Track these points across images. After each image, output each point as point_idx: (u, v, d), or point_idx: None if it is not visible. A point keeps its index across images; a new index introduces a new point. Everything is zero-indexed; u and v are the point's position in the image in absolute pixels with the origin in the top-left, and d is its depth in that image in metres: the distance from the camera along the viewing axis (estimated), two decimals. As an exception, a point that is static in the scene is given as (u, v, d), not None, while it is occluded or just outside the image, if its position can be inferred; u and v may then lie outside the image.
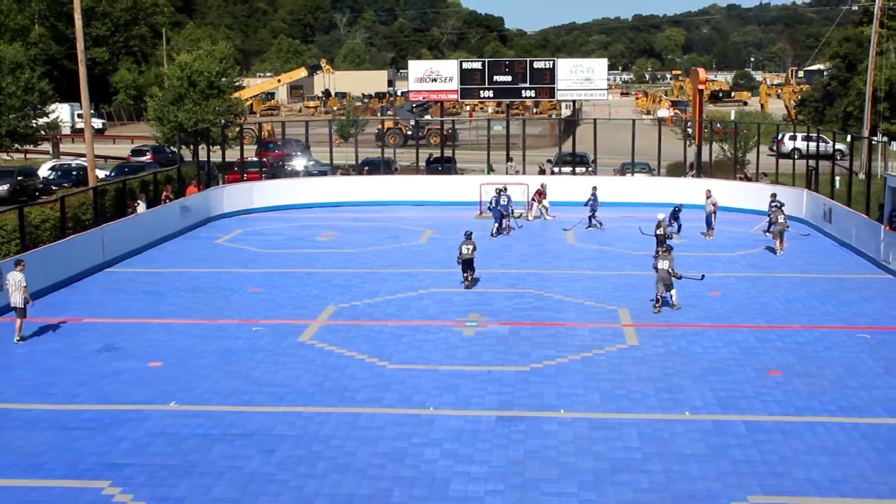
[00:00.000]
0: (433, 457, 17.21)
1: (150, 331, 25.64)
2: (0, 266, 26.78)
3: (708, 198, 39.33)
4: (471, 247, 30.09)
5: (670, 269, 27.36)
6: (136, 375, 21.88)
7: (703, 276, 30.83)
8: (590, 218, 41.36)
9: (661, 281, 27.38)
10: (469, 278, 30.43)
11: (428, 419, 19.07)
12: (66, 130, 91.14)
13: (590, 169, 52.48)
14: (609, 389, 20.82)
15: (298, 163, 55.07)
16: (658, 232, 33.94)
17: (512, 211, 41.33)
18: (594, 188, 41.74)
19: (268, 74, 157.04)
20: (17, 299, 24.71)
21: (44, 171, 57.04)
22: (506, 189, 40.96)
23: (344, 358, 23.12)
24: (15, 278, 24.80)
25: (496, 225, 40.04)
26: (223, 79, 61.05)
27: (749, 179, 49.16)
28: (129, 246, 35.38)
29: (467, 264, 30.24)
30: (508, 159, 52.93)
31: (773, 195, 38.93)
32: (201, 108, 58.30)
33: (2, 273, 26.28)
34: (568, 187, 47.01)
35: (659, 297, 27.52)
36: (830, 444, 17.71)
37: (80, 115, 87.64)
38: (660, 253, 28.59)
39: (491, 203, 40.82)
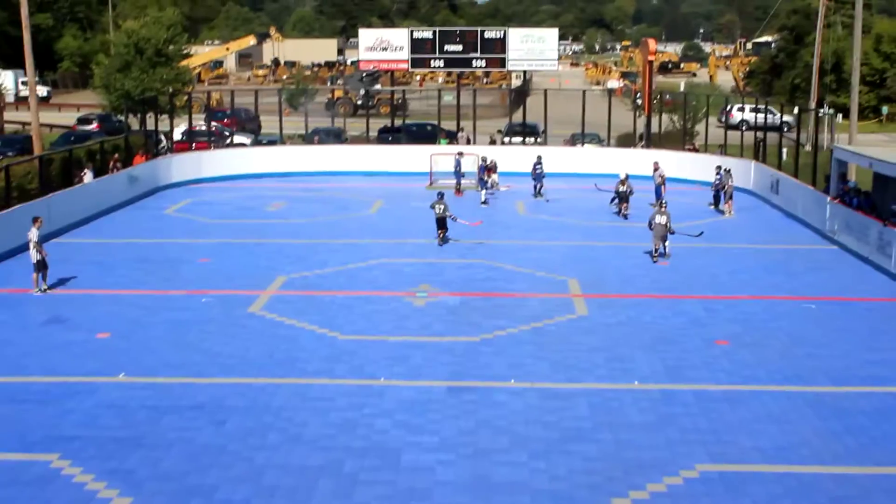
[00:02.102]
0: (384, 427, 17.24)
1: (98, 302, 25.40)
2: None
3: (656, 170, 39.67)
4: (442, 206, 32.06)
5: (667, 224, 29.60)
6: (84, 347, 21.67)
7: (701, 233, 32.81)
8: (536, 187, 41.64)
9: (657, 235, 29.73)
10: (441, 235, 32.25)
11: (379, 390, 19.09)
12: (10, 98, 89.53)
13: (539, 139, 52.53)
14: (559, 359, 20.94)
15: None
16: (622, 189, 36.86)
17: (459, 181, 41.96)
18: (539, 157, 42.05)
19: (216, 42, 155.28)
20: (32, 255, 25.95)
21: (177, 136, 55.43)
22: (462, 154, 42.31)
23: (294, 329, 23.06)
24: (32, 235, 25.93)
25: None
26: (171, 46, 60.28)
27: (697, 151, 49.47)
28: (75, 216, 34.97)
29: (440, 223, 32.12)
30: (459, 129, 52.83)
31: (718, 167, 39.50)
32: (149, 76, 57.56)
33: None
34: (519, 157, 47.05)
35: (656, 249, 29.88)
36: (776, 413, 17.97)
37: (24, 83, 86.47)
38: (657, 209, 30.53)
39: (457, 168, 42.18)
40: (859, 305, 25.47)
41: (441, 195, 32.83)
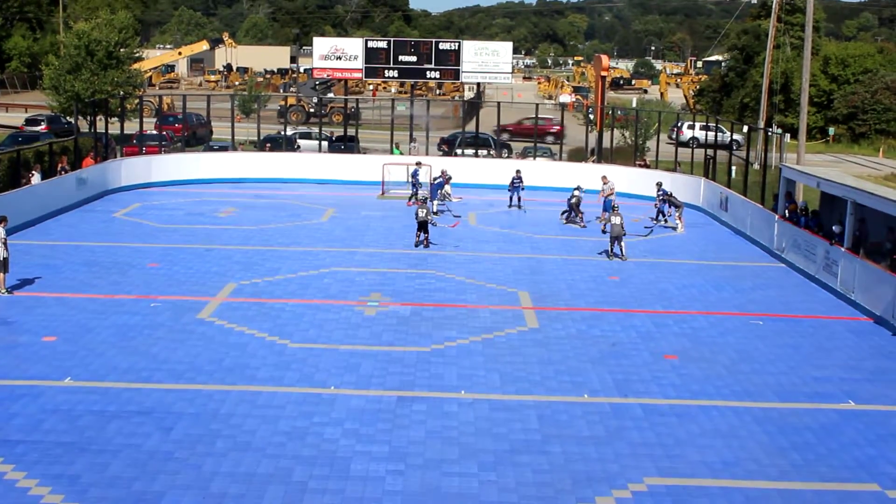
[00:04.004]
0: (334, 436, 17.18)
1: (45, 305, 25.06)
2: None
3: (605, 184, 39.94)
4: (424, 210, 33.32)
5: (621, 224, 31.95)
6: (29, 350, 21.36)
7: (650, 231, 36.04)
8: (511, 199, 41.91)
9: (613, 234, 32.12)
10: (425, 239, 33.42)
11: (329, 398, 19.02)
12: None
13: (492, 152, 52.71)
14: (509, 371, 20.99)
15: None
16: (573, 201, 38.59)
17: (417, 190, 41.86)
18: (518, 171, 42.30)
19: (168, 46, 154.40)
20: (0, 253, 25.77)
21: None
22: (420, 164, 42.84)
23: (244, 336, 22.91)
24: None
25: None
26: (122, 49, 59.73)
27: (648, 166, 49.83)
28: (23, 217, 34.45)
29: (422, 226, 33.28)
30: (412, 140, 52.85)
31: (659, 183, 39.92)
32: (99, 78, 56.96)
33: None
34: (471, 169, 47.22)
35: (612, 249, 32.30)
36: (724, 428, 18.13)
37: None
38: (612, 211, 32.89)
39: (415, 178, 42.27)
40: (805, 322, 25.78)
41: (424, 200, 34.76)
